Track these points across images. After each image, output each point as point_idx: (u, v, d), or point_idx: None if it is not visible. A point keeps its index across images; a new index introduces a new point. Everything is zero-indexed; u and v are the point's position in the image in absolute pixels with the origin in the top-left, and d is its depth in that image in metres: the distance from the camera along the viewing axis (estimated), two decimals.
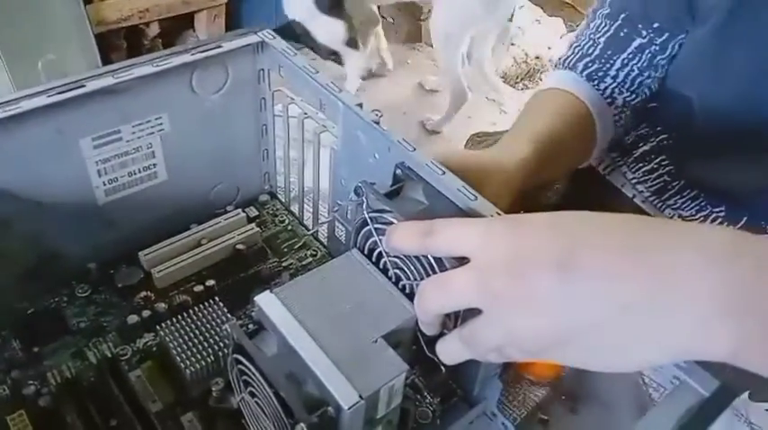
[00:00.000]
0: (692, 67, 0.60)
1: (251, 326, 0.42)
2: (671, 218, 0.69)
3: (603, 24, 0.64)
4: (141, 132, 0.52)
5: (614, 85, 0.64)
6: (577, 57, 0.66)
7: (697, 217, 0.67)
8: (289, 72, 0.52)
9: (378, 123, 0.45)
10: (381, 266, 0.44)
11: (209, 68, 0.52)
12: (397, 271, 0.42)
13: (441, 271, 0.38)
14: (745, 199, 0.62)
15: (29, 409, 0.46)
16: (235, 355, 0.40)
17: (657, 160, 0.69)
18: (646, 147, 0.70)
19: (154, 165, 0.55)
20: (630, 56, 0.63)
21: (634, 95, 0.65)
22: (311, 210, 0.62)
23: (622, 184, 0.73)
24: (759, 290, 0.26)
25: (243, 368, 0.40)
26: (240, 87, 0.55)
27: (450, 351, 0.37)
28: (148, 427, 0.46)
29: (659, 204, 0.70)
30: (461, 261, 0.34)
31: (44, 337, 0.51)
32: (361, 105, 0.46)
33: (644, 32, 0.62)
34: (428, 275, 0.39)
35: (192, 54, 0.50)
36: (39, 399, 0.47)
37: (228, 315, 0.50)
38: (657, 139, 0.69)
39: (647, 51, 0.62)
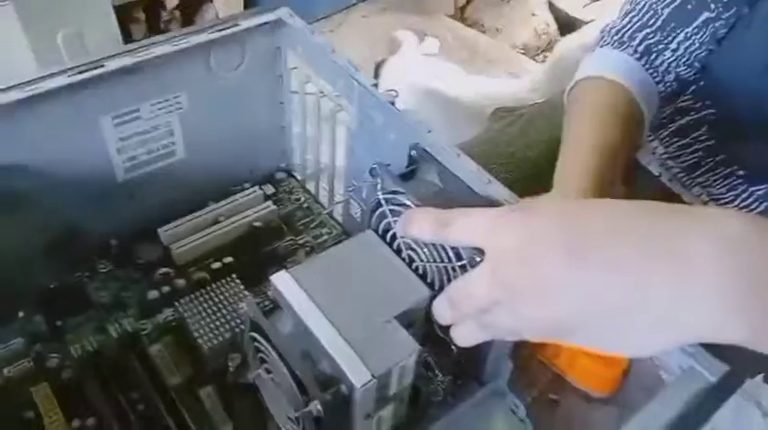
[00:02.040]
0: (755, 40, 0.58)
1: (267, 303, 0.42)
2: (699, 196, 0.68)
3: None
4: (160, 111, 0.53)
5: (672, 58, 0.62)
6: (635, 27, 0.62)
7: (727, 195, 0.66)
8: (306, 50, 0.52)
9: (393, 104, 0.45)
10: (395, 247, 0.44)
11: (227, 47, 0.52)
12: (410, 252, 0.43)
13: (454, 254, 0.38)
14: None
15: (52, 382, 0.48)
16: (251, 333, 0.41)
17: (695, 135, 0.68)
18: (683, 122, 0.68)
19: (172, 143, 0.55)
20: (695, 30, 0.60)
21: (688, 70, 0.63)
22: (327, 188, 0.63)
23: (648, 161, 0.71)
24: None
25: (259, 346, 0.41)
26: (257, 65, 0.55)
27: (466, 335, 0.37)
28: (168, 400, 0.47)
29: (688, 181, 0.69)
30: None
31: (66, 312, 0.53)
32: (376, 85, 0.46)
33: (712, 5, 0.59)
34: (441, 259, 0.40)
35: (210, 33, 0.50)
36: (62, 372, 0.49)
37: (245, 292, 0.51)
38: (700, 114, 0.67)
39: (712, 26, 0.60)
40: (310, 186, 0.65)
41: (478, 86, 1.37)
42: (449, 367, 0.49)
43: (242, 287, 0.51)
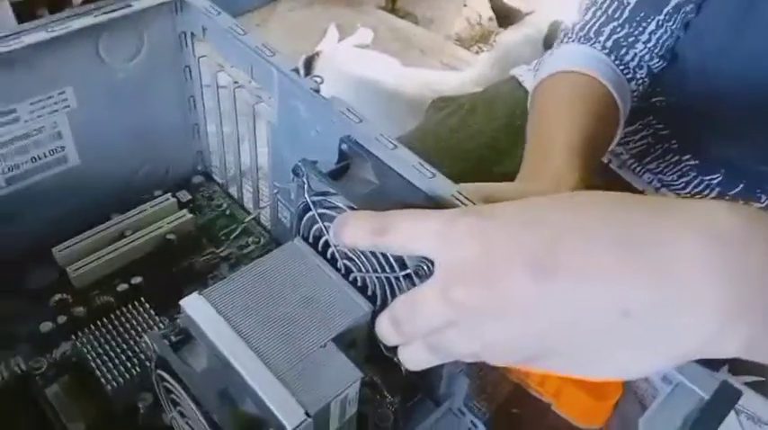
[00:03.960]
0: (713, 23, 0.55)
1: (178, 334, 0.36)
2: (650, 182, 0.66)
3: None
4: (42, 110, 0.45)
5: (644, 51, 0.58)
6: (601, 21, 0.58)
7: (678, 182, 0.63)
8: (214, 35, 0.46)
9: (318, 92, 0.39)
10: (329, 256, 0.39)
11: (119, 32, 0.45)
12: (347, 262, 0.37)
13: (397, 263, 0.33)
14: (744, 167, 0.58)
15: None
16: (158, 371, 0.35)
17: (645, 120, 0.65)
18: (632, 106, 0.65)
19: (62, 147, 0.48)
20: (666, 17, 0.56)
21: (660, 62, 0.59)
22: (252, 191, 0.56)
23: None
24: None
25: (168, 386, 0.34)
26: (159, 54, 0.49)
27: (416, 358, 0.32)
28: None
29: (638, 168, 0.66)
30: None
31: None
32: (297, 71, 0.40)
33: None
34: (382, 269, 0.34)
35: (96, 16, 0.43)
36: None
37: (157, 318, 0.45)
38: (649, 101, 0.64)
39: (683, 11, 0.56)
40: (233, 190, 0.58)
41: (420, 77, 1.33)
42: (398, 386, 0.44)
43: (153, 313, 0.44)
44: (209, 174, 0.59)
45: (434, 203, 0.34)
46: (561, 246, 0.25)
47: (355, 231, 0.32)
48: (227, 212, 0.57)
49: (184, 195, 0.57)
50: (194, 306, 0.36)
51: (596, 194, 0.27)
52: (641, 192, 0.66)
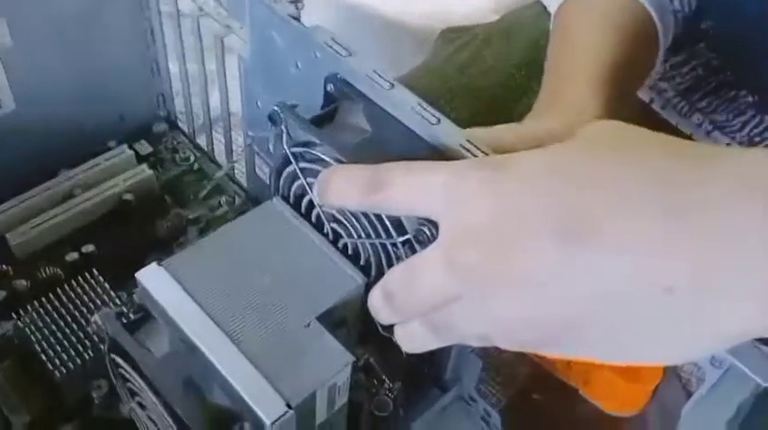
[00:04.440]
0: None
1: (135, 312, 0.36)
2: (700, 124, 0.65)
3: None
4: None
5: None
6: None
7: (733, 123, 0.62)
8: None
9: (297, 19, 0.38)
10: (314, 219, 0.38)
11: None
12: (335, 225, 0.37)
13: (393, 226, 0.32)
14: None
15: None
16: (112, 356, 0.34)
17: (693, 50, 0.63)
18: (675, 34, 0.63)
19: None
20: None
21: None
22: (223, 141, 0.55)
23: None
24: None
25: (124, 373, 0.34)
26: None
27: (415, 339, 0.32)
28: None
29: (686, 108, 0.65)
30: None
31: None
32: None
33: None
34: (376, 233, 0.33)
35: None
36: None
37: (112, 293, 0.44)
38: (699, 26, 0.62)
39: None
40: (201, 140, 0.57)
41: (425, 4, 1.30)
42: (399, 370, 0.44)
43: (107, 287, 0.44)
44: (174, 121, 0.58)
45: (439, 155, 0.33)
46: (594, 206, 0.24)
47: (343, 188, 0.31)
48: (196, 167, 0.56)
49: (144, 147, 0.56)
50: (153, 278, 0.35)
51: (632, 136, 0.26)
52: (689, 138, 0.65)
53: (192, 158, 0.56)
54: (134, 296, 0.36)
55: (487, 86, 0.73)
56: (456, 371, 0.43)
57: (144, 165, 0.53)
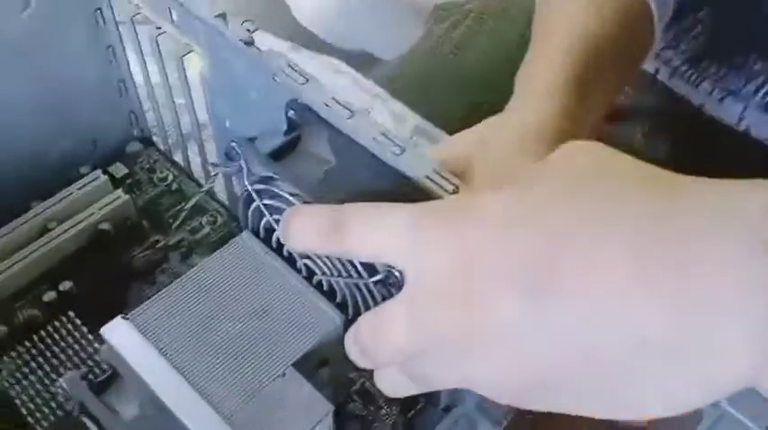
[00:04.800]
0: None
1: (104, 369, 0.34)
2: (710, 93, 0.61)
3: None
4: None
5: None
6: None
7: (746, 89, 0.59)
8: None
9: (250, 43, 0.35)
10: (286, 254, 0.36)
11: None
12: (308, 262, 0.34)
13: (364, 266, 0.30)
14: None
15: None
16: (82, 417, 0.33)
17: (700, 13, 0.60)
18: None
19: None
20: None
21: None
22: (200, 158, 0.53)
23: None
24: None
25: None
26: None
27: (395, 386, 0.30)
28: None
29: (694, 76, 0.61)
30: None
31: None
32: (224, 16, 0.36)
33: None
34: (348, 273, 0.32)
35: None
36: None
37: (90, 336, 0.42)
38: None
39: None
40: (179, 157, 0.55)
41: None
42: None
43: (85, 331, 0.42)
44: (149, 138, 0.56)
45: (408, 185, 0.31)
46: (563, 257, 0.22)
47: (303, 233, 0.29)
48: (174, 187, 0.53)
49: (119, 169, 0.54)
50: (118, 334, 0.33)
51: (604, 169, 0.24)
52: (699, 109, 0.62)
53: (171, 178, 0.54)
54: (100, 354, 0.34)
55: (480, 70, 0.70)
56: (455, 391, 0.41)
57: (120, 191, 0.50)
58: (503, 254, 0.23)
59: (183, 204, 0.52)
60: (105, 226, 0.49)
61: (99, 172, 0.51)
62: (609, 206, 0.23)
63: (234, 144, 0.34)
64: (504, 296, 0.23)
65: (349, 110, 0.32)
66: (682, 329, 0.21)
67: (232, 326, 0.34)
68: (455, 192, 0.29)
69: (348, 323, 0.33)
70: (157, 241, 0.50)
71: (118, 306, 0.45)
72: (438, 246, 0.25)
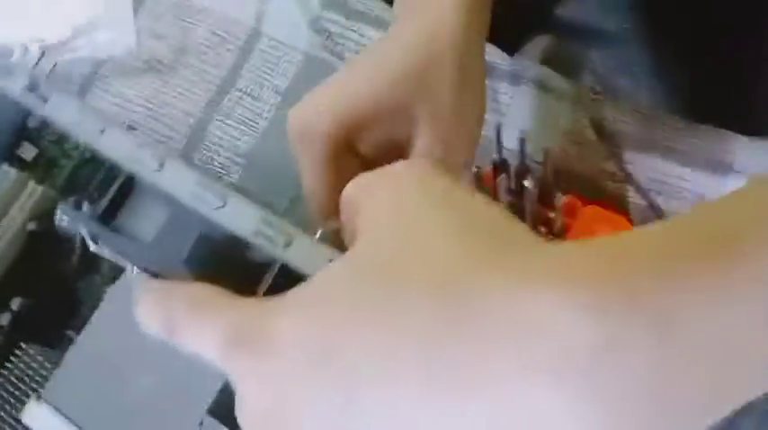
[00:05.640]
0: None
1: None
2: None
3: None
4: None
5: None
6: None
7: None
8: None
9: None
10: None
11: None
12: None
13: None
14: None
15: None
16: None
17: None
18: None
19: None
20: None
21: None
22: None
23: None
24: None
25: None
26: None
27: None
28: None
29: None
30: None
31: None
32: None
33: None
34: None
35: None
36: None
37: (47, 364, 0.43)
38: None
39: None
40: None
41: None
42: None
43: (41, 358, 0.42)
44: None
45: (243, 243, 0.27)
46: (359, 383, 0.21)
47: (146, 314, 0.28)
48: (87, 155, 0.49)
49: (28, 150, 0.50)
50: (37, 418, 0.34)
51: (399, 271, 0.21)
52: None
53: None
54: None
55: None
56: None
57: (32, 182, 0.48)
58: (305, 387, 0.22)
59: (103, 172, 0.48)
60: (32, 226, 0.47)
61: (5, 166, 0.48)
62: (403, 324, 0.20)
63: (60, 209, 0.31)
64: (308, 422, 0.22)
65: (157, 161, 0.27)
66: None
67: (140, 380, 0.33)
68: (288, 245, 0.26)
69: None
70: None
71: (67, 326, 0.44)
72: (243, 363, 0.23)
